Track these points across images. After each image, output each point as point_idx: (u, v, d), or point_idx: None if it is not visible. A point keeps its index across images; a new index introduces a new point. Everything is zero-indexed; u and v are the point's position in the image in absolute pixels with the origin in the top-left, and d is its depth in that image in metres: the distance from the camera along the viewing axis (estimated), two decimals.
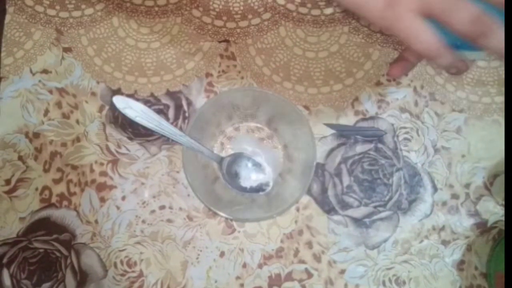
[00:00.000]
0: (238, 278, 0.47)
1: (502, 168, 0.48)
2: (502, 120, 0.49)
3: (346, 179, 0.48)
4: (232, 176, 0.46)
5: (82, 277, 0.46)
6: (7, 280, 0.46)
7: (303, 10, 0.51)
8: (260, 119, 0.48)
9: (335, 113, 0.49)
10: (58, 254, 0.47)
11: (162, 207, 0.48)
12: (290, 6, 0.51)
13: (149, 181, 0.48)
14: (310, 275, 0.47)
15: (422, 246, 0.47)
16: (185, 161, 0.44)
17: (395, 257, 0.47)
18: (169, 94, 0.49)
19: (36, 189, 0.48)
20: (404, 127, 0.49)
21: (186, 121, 0.49)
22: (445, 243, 0.47)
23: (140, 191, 0.48)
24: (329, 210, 0.48)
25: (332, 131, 0.49)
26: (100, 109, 0.49)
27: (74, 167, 0.48)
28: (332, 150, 0.49)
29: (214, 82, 0.50)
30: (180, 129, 0.48)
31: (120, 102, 0.42)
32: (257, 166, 0.47)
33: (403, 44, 0.50)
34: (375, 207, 0.48)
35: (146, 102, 0.49)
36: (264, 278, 0.47)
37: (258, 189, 0.46)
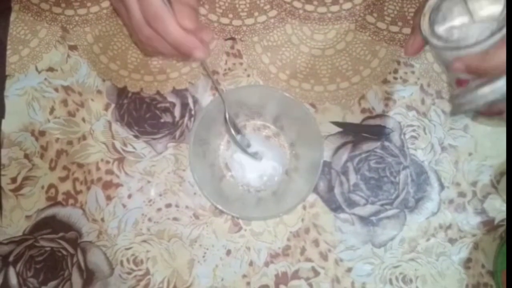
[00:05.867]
0: (244, 276, 0.46)
1: None
2: None
3: (352, 177, 0.48)
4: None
5: (89, 275, 0.46)
6: (13, 279, 0.46)
7: (309, 7, 0.51)
8: (266, 117, 0.48)
9: (342, 111, 0.49)
10: (64, 252, 0.47)
11: (169, 205, 0.47)
12: (296, 4, 0.51)
13: (155, 179, 0.48)
14: (316, 273, 0.46)
15: (429, 244, 0.47)
16: (191, 159, 0.44)
17: (402, 255, 0.47)
18: (175, 92, 0.49)
19: (42, 187, 0.48)
20: (411, 125, 0.49)
21: (192, 119, 0.49)
22: (452, 241, 0.47)
23: (146, 189, 0.48)
24: (335, 208, 0.47)
25: (339, 129, 0.49)
26: (106, 107, 0.49)
27: (80, 165, 0.48)
28: (338, 148, 0.48)
29: (220, 80, 0.49)
30: (187, 127, 0.48)
31: None
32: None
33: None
34: (381, 205, 0.47)
35: (152, 100, 0.49)
36: (271, 276, 0.46)
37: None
